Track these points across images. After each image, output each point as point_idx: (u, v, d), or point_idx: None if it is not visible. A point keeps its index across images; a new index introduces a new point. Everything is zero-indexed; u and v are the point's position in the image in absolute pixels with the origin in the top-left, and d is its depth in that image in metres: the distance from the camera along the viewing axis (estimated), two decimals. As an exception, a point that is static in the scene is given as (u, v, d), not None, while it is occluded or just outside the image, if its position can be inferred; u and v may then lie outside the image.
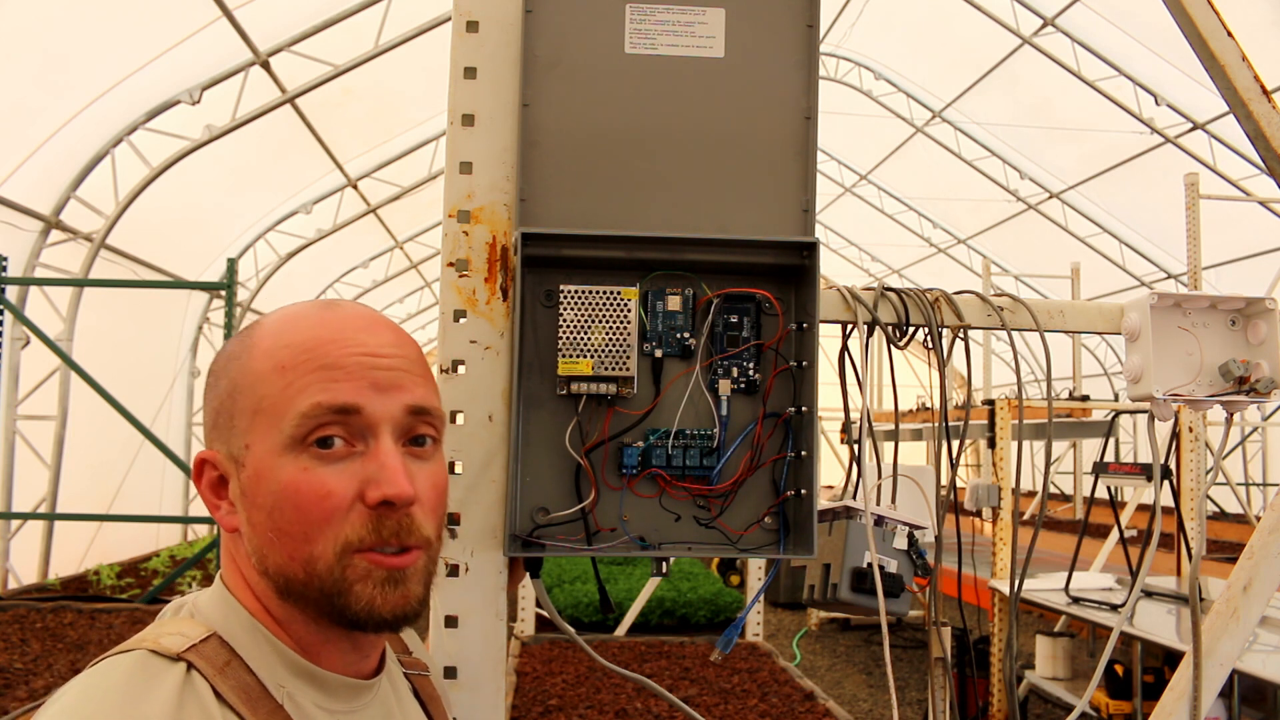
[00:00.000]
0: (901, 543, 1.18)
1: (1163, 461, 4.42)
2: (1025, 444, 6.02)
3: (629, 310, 1.07)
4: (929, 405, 10.18)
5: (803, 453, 1.09)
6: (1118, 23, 7.70)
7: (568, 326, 1.07)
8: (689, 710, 1.18)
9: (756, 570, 5.39)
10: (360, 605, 0.77)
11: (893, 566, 1.16)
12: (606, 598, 1.28)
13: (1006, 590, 5.20)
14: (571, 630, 1.17)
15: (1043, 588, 5.17)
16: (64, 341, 6.18)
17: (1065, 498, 12.50)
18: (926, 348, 1.21)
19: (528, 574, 1.13)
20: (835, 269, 14.66)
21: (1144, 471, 4.92)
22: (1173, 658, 4.41)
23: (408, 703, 0.93)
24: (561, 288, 1.07)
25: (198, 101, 6.23)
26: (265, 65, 6.40)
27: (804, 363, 1.10)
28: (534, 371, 1.09)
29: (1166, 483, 4.82)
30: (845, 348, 1.20)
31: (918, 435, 9.10)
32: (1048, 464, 1.51)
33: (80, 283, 5.98)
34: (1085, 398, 7.30)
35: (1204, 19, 1.15)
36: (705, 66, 1.11)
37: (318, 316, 0.82)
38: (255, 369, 0.79)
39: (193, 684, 0.72)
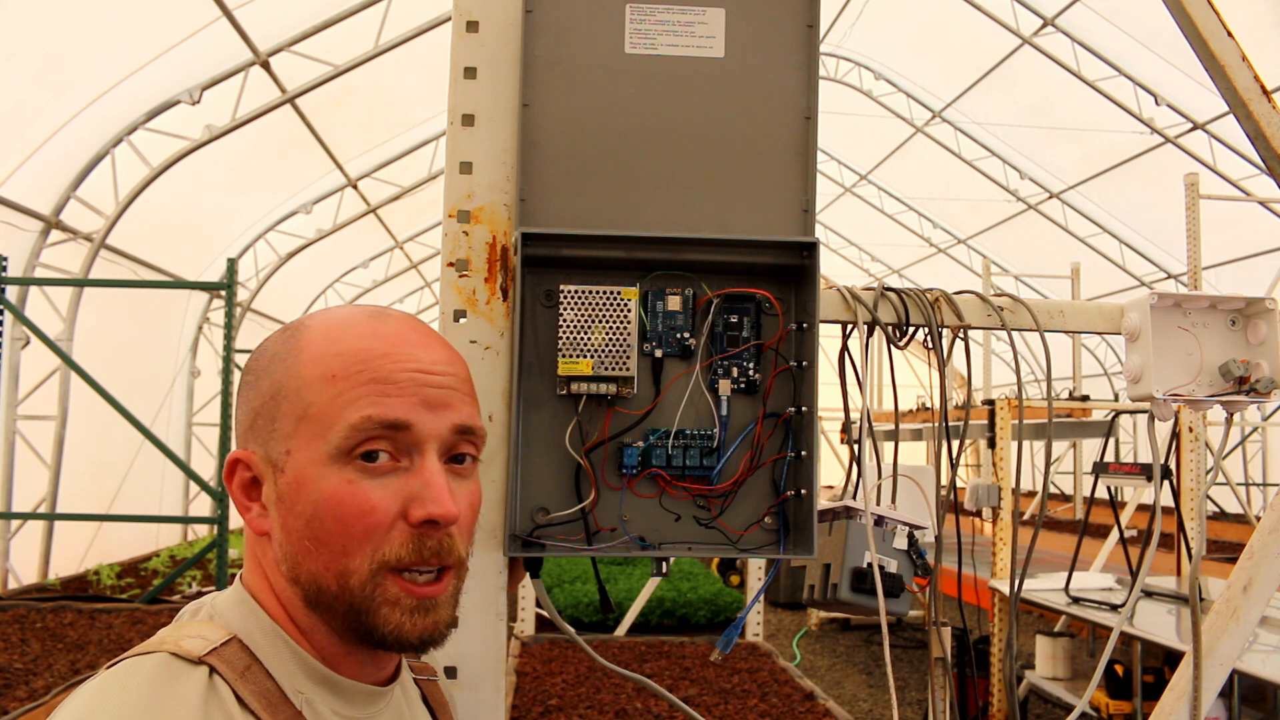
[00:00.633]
0: (901, 543, 1.18)
1: (1163, 461, 4.42)
2: (1025, 444, 6.02)
3: (629, 310, 1.07)
4: (929, 405, 10.17)
5: (803, 453, 1.09)
6: (1118, 23, 7.70)
7: (568, 326, 1.07)
8: (689, 710, 1.18)
9: (756, 570, 5.39)
10: (388, 629, 0.76)
11: (893, 566, 1.16)
12: (606, 598, 1.28)
13: (1006, 590, 5.21)
14: (571, 630, 1.17)
15: (1043, 588, 5.17)
16: (64, 341, 6.18)
17: (1065, 498, 12.50)
18: (926, 348, 1.21)
19: (528, 574, 1.13)
20: (835, 269, 14.66)
21: (1144, 471, 4.92)
22: (1173, 658, 4.41)
23: (417, 708, 0.93)
24: (561, 288, 1.07)
25: (198, 101, 6.23)
26: (265, 65, 6.40)
27: (804, 363, 1.10)
28: (534, 371, 1.09)
29: (1166, 483, 4.82)
30: (845, 348, 1.20)
31: (918, 435, 9.10)
32: (1048, 464, 1.51)
33: (80, 283, 5.98)
34: (1085, 398, 7.30)
35: (1204, 19, 1.15)
36: (705, 66, 1.11)
37: (369, 326, 0.81)
38: (302, 374, 0.78)
39: (215, 688, 0.72)
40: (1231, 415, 1.25)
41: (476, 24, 1.12)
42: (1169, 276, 10.17)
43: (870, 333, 1.18)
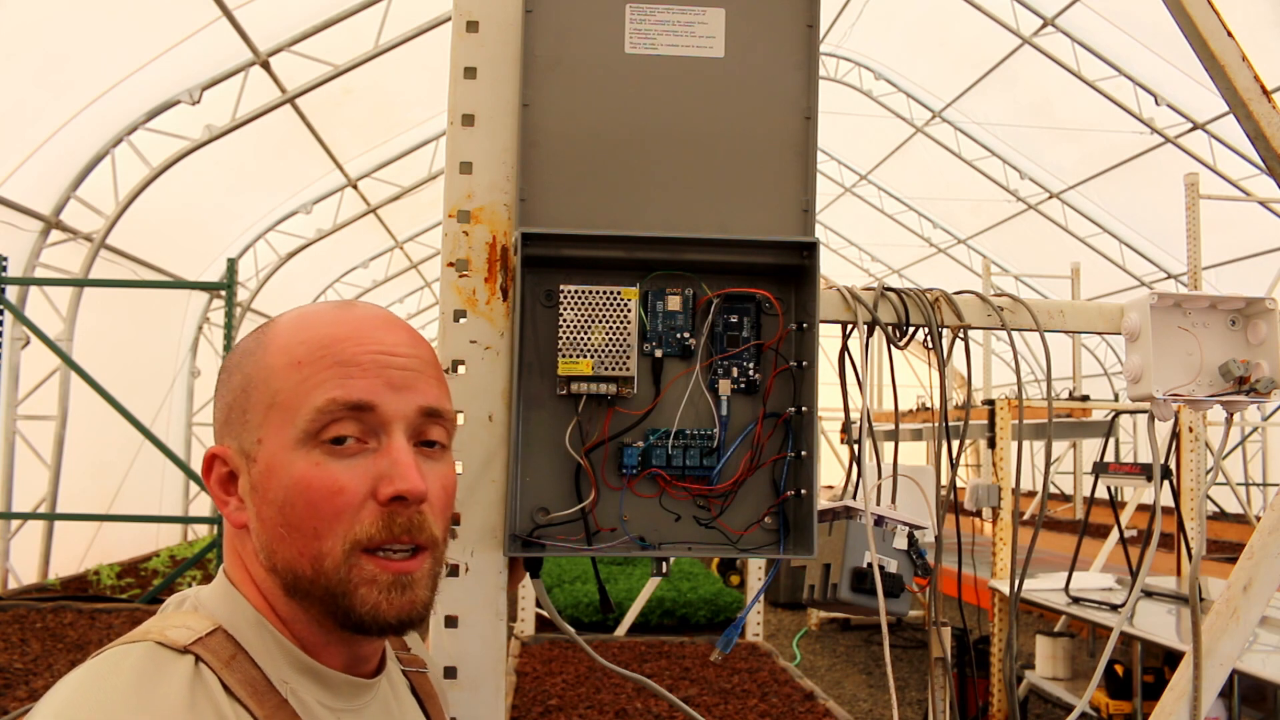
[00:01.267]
0: (901, 543, 1.18)
1: (1163, 461, 4.42)
2: (1025, 444, 6.02)
3: (629, 310, 1.07)
4: (929, 405, 10.17)
5: (803, 453, 1.09)
6: (1118, 23, 7.70)
7: (568, 326, 1.07)
8: (689, 710, 1.18)
9: (756, 570, 5.39)
10: (365, 609, 0.77)
11: (893, 566, 1.16)
12: (606, 598, 1.28)
13: (1006, 590, 5.21)
14: (571, 630, 1.17)
15: (1043, 588, 5.17)
16: (64, 341, 6.18)
17: (1065, 498, 12.50)
18: (926, 348, 1.21)
19: (528, 574, 1.13)
20: (835, 269, 14.66)
21: (1144, 471, 4.92)
22: (1173, 658, 4.41)
23: (405, 701, 0.93)
24: (561, 288, 1.07)
25: (198, 101, 6.23)
26: (265, 65, 6.40)
27: (804, 363, 1.10)
28: (534, 371, 1.09)
29: (1166, 483, 4.82)
30: (845, 348, 1.20)
31: (918, 435, 9.10)
32: (1048, 464, 1.51)
33: (80, 283, 5.98)
34: (1085, 398, 7.30)
35: (1204, 19, 1.15)
36: (705, 66, 1.11)
37: (333, 314, 0.83)
38: (270, 364, 0.80)
39: (201, 676, 0.72)
40: (1231, 415, 1.25)
41: (476, 24, 1.12)
42: (1169, 276, 10.17)
43: (870, 333, 1.18)
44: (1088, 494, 8.35)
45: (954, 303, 1.21)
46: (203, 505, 8.74)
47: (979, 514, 6.15)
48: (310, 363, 0.78)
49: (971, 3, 8.09)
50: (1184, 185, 5.33)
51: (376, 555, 0.77)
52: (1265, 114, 1.17)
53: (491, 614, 1.08)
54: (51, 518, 6.18)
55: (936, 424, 1.24)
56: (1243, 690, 3.93)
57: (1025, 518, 9.19)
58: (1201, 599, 2.13)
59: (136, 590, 6.11)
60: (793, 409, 1.11)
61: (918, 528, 1.19)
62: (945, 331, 1.22)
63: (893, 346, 1.21)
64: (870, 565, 1.14)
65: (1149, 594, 4.86)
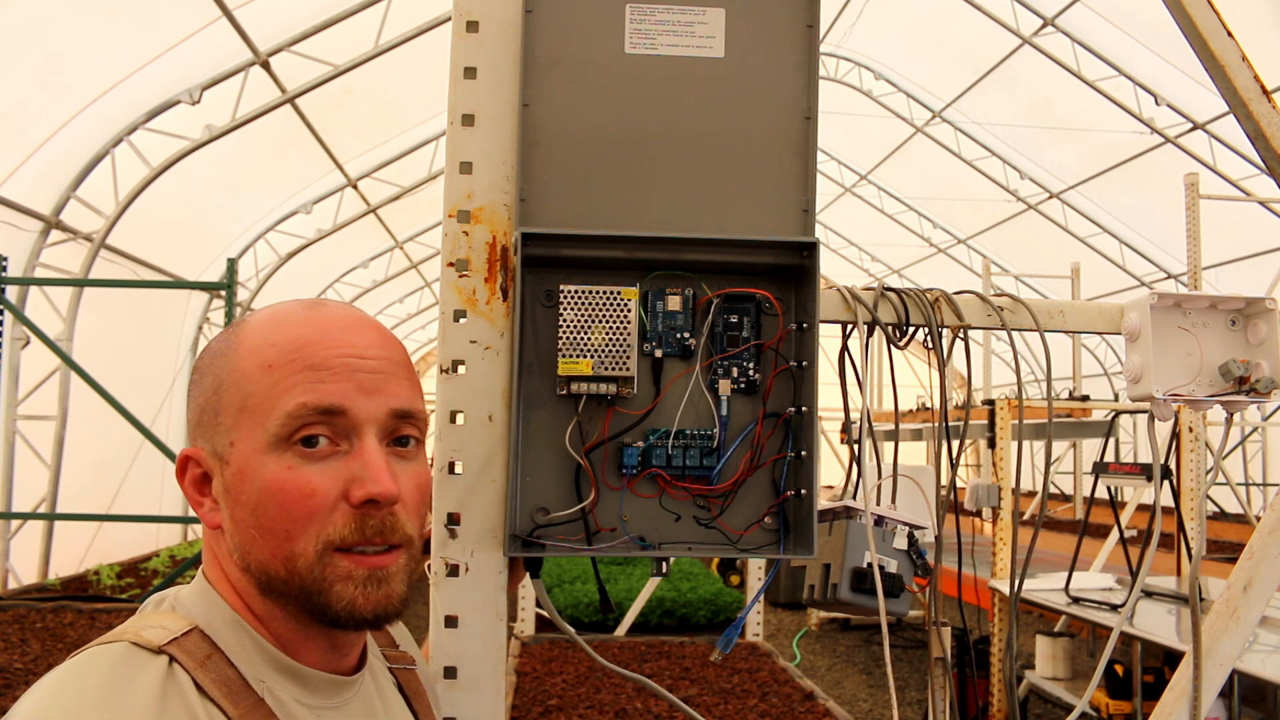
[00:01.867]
0: (901, 543, 1.18)
1: (1163, 461, 4.42)
2: (1025, 444, 6.02)
3: (629, 310, 1.07)
4: (929, 405, 10.17)
5: (803, 453, 1.09)
6: (1118, 23, 7.70)
7: (568, 326, 1.07)
8: (689, 710, 1.17)
9: (756, 570, 5.39)
10: (341, 605, 0.77)
11: (893, 566, 1.16)
12: (606, 598, 1.28)
13: (1006, 590, 5.21)
14: (571, 630, 1.17)
15: (1043, 588, 5.17)
16: (64, 341, 6.18)
17: (1065, 498, 12.50)
18: (926, 348, 1.21)
19: (528, 574, 1.13)
20: (835, 269, 14.66)
21: (1144, 471, 4.92)
22: (1173, 658, 4.41)
23: (391, 697, 0.93)
24: (561, 288, 1.07)
25: (198, 101, 6.23)
26: (265, 65, 6.40)
27: (804, 363, 1.10)
28: (534, 371, 1.09)
29: (1166, 483, 4.82)
30: (845, 348, 1.20)
31: (918, 435, 9.10)
32: (1048, 464, 1.51)
33: (80, 283, 5.98)
34: (1085, 398, 7.30)
35: (1204, 19, 1.15)
36: (705, 66, 1.11)
37: (303, 315, 0.83)
38: (241, 366, 0.80)
39: (175, 677, 0.72)
40: (1231, 415, 1.25)
41: (476, 24, 1.12)
42: (1169, 276, 10.17)
43: (870, 333, 1.18)
44: (1088, 494, 8.35)
45: (954, 303, 1.21)
46: (203, 505, 8.71)
47: (979, 514, 6.15)
48: (281, 366, 0.78)
49: (971, 3, 8.09)
50: (1184, 185, 5.33)
51: (350, 553, 0.78)
52: (1265, 114, 1.17)
53: (491, 614, 1.08)
54: (51, 518, 6.18)
55: (936, 424, 1.24)
56: (1243, 690, 3.93)
57: (1025, 518, 9.19)
58: (1201, 599, 2.13)
59: (136, 590, 6.11)
60: (793, 409, 1.11)
61: (918, 528, 1.19)
62: (945, 331, 1.22)
63: (893, 346, 1.21)
64: (870, 565, 1.14)
65: (1149, 594, 4.86)
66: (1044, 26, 8.08)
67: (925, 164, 11.14)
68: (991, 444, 5.83)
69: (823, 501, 1.13)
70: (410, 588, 0.82)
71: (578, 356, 1.06)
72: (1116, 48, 7.96)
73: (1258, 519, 3.60)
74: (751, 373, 1.11)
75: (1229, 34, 1.15)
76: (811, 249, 1.09)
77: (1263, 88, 1.16)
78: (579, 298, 1.07)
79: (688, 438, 1.09)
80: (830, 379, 1.15)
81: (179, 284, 7.89)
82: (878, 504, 1.20)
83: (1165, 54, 7.59)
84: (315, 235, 9.14)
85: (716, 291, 1.11)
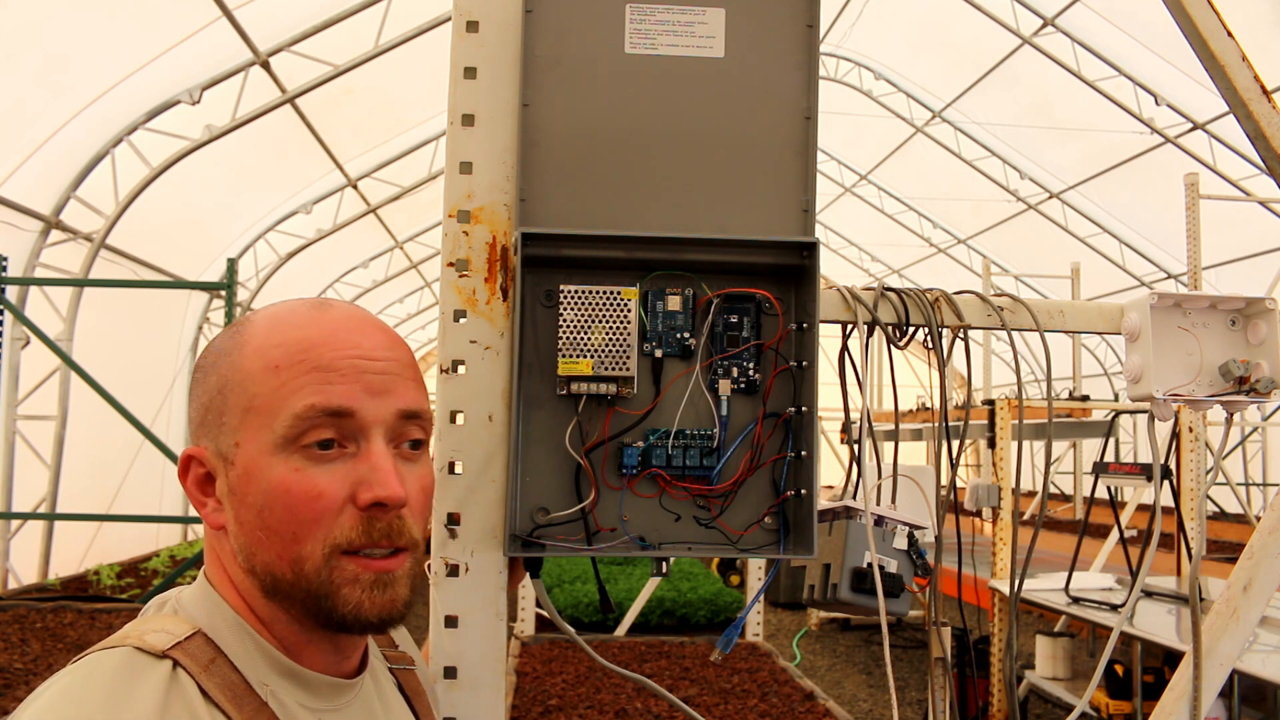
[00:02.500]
0: (901, 543, 1.18)
1: (1163, 461, 4.43)
2: (1025, 444, 6.02)
3: (629, 310, 1.07)
4: (929, 405, 10.17)
5: (803, 453, 1.09)
6: (1118, 23, 7.70)
7: (568, 326, 1.07)
8: (689, 710, 1.17)
9: (756, 570, 5.39)
10: (348, 608, 0.77)
11: (893, 566, 1.16)
12: (606, 598, 1.28)
13: (1006, 590, 5.21)
14: (571, 630, 1.17)
15: (1043, 588, 5.17)
16: (64, 341, 6.18)
17: (1065, 498, 12.50)
18: (926, 348, 1.21)
19: (528, 574, 1.13)
20: (835, 269, 14.66)
21: (1144, 471, 4.92)
22: (1173, 658, 4.41)
23: (391, 698, 0.93)
24: (561, 288, 1.07)
25: (198, 101, 6.23)
26: (265, 65, 6.40)
27: (804, 363, 1.10)
28: (534, 371, 1.08)
29: (1166, 483, 4.82)
30: (845, 348, 1.20)
31: (918, 435, 9.10)
32: (1048, 464, 1.51)
33: (80, 283, 5.98)
34: (1085, 398, 7.30)
35: (1204, 19, 1.15)
36: (705, 66, 1.11)
37: (309, 315, 0.82)
38: (246, 367, 0.79)
39: (178, 682, 0.72)
40: (1231, 415, 1.25)
41: (476, 24, 1.12)
42: (1169, 276, 10.17)
43: (870, 333, 1.18)
44: (1088, 494, 8.35)
45: (954, 303, 1.21)
46: (203, 505, 8.72)
47: (979, 514, 6.15)
48: (288, 367, 0.78)
49: (971, 3, 8.09)
50: (1184, 185, 5.33)
51: (357, 556, 0.77)
52: (1265, 114, 1.17)
53: (491, 614, 1.08)
54: (51, 518, 6.18)
55: (936, 424, 1.24)
56: (1243, 690, 3.93)
57: (1025, 518, 9.19)
58: (1201, 599, 2.13)
59: (137, 590, 6.11)
60: (793, 409, 1.10)
61: (918, 528, 1.19)
62: (945, 331, 1.22)
63: (893, 346, 1.21)
64: (870, 565, 1.14)
65: (1149, 594, 4.86)
66: (1044, 26, 8.08)
67: (925, 164, 11.14)
68: (991, 444, 5.83)
69: (823, 501, 1.13)
70: (415, 591, 0.82)
71: (578, 356, 1.06)
72: (1116, 48, 7.96)
73: (1258, 519, 3.60)
74: (751, 373, 1.11)
75: (1229, 34, 1.15)
76: (811, 249, 1.09)
77: (1263, 88, 1.16)
78: (579, 298, 1.07)
79: (688, 438, 1.09)
80: (830, 379, 1.15)
81: (179, 284, 7.89)
82: (878, 504, 1.20)
83: (1165, 54, 7.59)
84: (315, 235, 9.14)
85: (716, 291, 1.11)
